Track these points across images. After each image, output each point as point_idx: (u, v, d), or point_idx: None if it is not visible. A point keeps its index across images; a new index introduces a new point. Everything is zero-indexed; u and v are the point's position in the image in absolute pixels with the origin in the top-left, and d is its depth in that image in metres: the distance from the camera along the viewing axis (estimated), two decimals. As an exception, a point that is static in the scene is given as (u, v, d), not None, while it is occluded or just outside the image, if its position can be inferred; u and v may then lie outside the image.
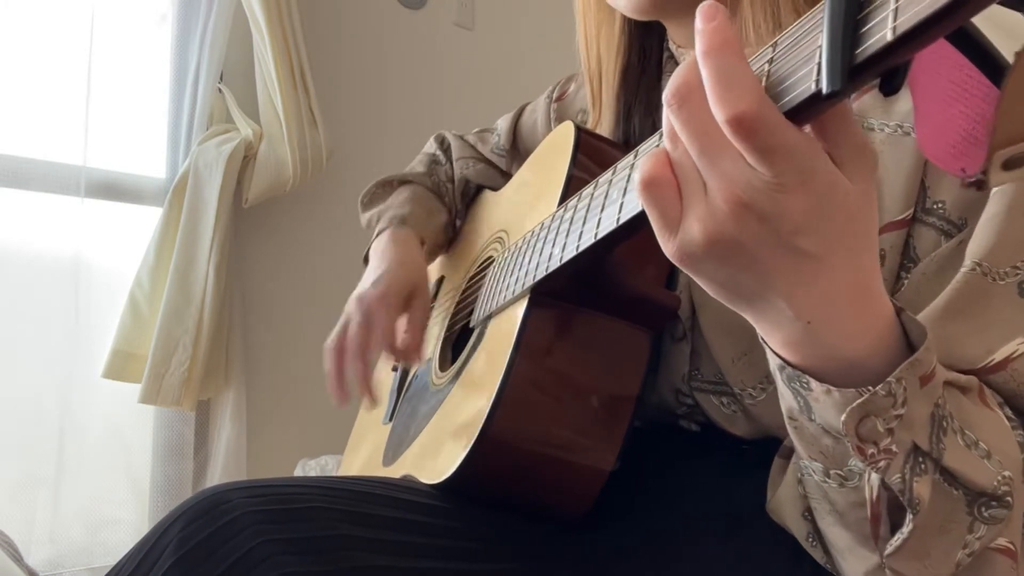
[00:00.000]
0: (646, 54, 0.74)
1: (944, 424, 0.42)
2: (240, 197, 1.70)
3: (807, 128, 0.35)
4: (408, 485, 0.62)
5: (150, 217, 1.66)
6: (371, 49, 1.98)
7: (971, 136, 0.32)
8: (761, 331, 0.42)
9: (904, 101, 0.55)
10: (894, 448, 0.40)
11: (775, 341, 0.41)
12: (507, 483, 0.60)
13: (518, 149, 0.97)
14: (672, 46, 0.73)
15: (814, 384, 0.41)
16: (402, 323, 0.82)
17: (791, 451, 0.55)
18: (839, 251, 0.36)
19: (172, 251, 1.61)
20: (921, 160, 0.53)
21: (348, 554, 0.49)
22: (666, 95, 0.36)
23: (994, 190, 0.51)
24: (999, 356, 0.48)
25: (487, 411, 0.58)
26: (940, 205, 0.53)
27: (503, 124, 0.99)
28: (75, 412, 1.55)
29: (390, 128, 1.96)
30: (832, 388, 0.40)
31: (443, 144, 1.05)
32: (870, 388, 0.39)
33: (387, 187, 1.01)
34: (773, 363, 0.43)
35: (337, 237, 1.88)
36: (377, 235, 0.94)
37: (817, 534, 0.51)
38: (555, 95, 0.93)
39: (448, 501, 0.59)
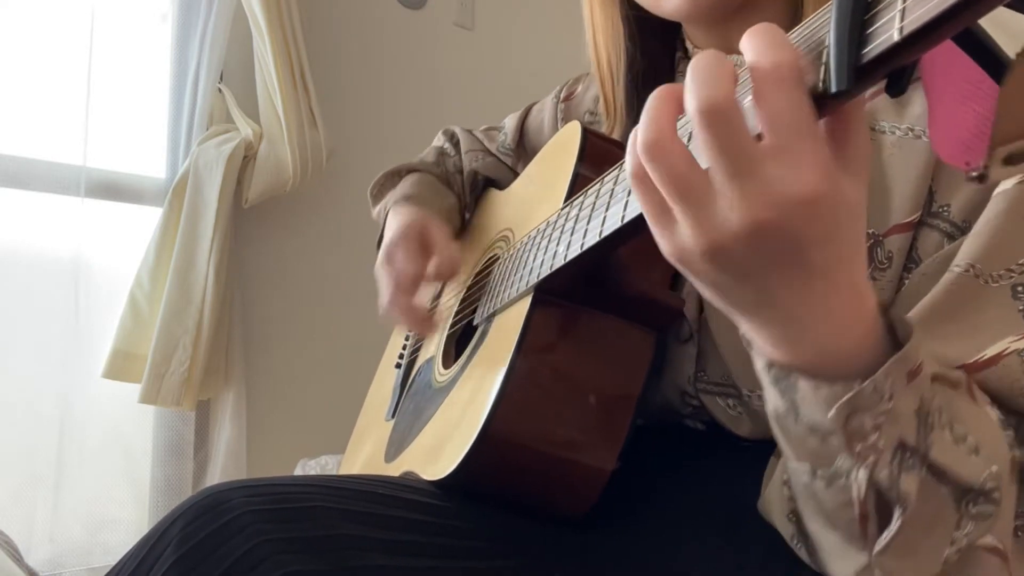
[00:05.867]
0: (653, 55, 0.74)
1: (931, 419, 0.41)
2: (240, 197, 1.70)
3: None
4: (409, 483, 0.62)
5: (150, 217, 1.66)
6: (371, 49, 1.97)
7: (980, 132, 0.32)
8: (748, 328, 0.42)
9: (916, 104, 0.55)
10: (881, 444, 0.40)
11: (763, 338, 0.41)
12: (508, 481, 0.60)
13: (524, 148, 0.97)
14: (689, 46, 0.72)
15: (801, 382, 0.40)
16: (431, 258, 0.82)
17: None
18: (843, 259, 0.37)
19: (172, 251, 1.61)
20: (931, 164, 0.53)
21: (348, 553, 0.49)
22: (696, 109, 0.35)
23: (995, 193, 0.51)
24: (989, 352, 0.48)
25: (488, 409, 0.58)
26: (945, 208, 0.53)
27: (510, 123, 0.99)
28: (75, 412, 1.55)
29: (390, 128, 1.96)
30: (820, 384, 0.40)
31: (452, 138, 1.05)
32: (859, 382, 0.39)
33: (395, 176, 1.00)
34: (759, 363, 0.43)
35: (337, 237, 1.88)
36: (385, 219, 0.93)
37: (801, 536, 0.50)
38: (562, 95, 0.92)
39: (449, 500, 0.59)
